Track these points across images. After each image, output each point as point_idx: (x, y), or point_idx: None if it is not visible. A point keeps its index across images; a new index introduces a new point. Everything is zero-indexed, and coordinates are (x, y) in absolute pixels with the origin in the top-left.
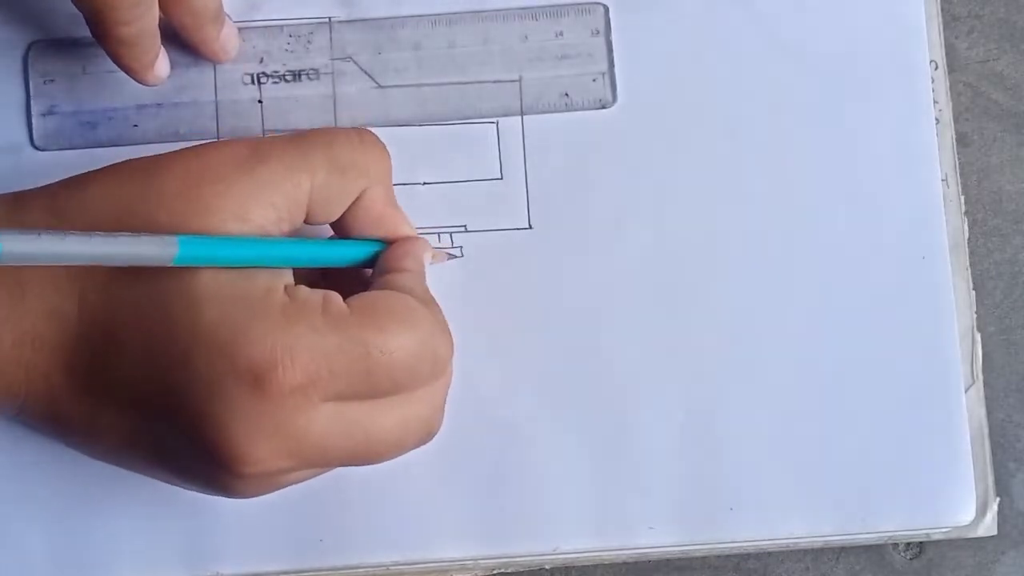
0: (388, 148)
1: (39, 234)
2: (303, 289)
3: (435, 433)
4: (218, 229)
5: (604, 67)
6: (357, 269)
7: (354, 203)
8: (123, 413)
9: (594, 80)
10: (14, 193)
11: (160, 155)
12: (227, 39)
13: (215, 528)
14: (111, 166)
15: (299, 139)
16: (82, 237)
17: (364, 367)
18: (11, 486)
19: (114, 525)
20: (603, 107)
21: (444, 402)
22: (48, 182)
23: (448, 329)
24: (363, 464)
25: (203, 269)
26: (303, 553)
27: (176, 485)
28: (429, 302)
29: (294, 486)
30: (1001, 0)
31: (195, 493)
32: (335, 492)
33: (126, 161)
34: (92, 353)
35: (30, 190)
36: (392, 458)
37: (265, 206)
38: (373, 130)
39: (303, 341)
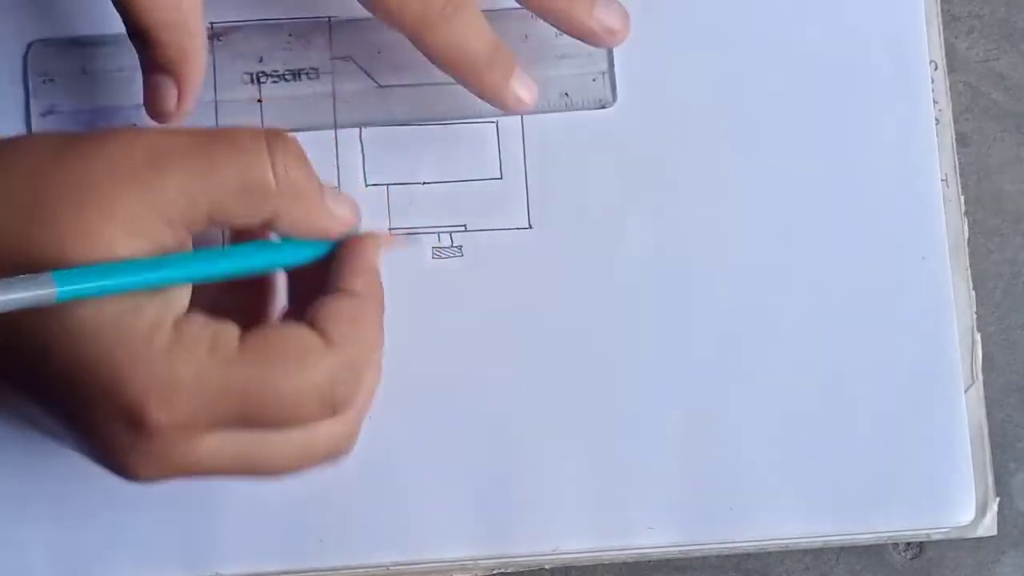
0: (388, 148)
1: None
2: (194, 323)
3: (345, 455)
4: (106, 254)
5: (604, 67)
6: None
7: (265, 222)
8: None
9: (594, 80)
10: None
11: (43, 162)
12: (519, 86)
13: (214, 528)
14: (20, 149)
15: (203, 145)
16: None
17: (245, 407)
18: (11, 486)
19: (114, 525)
20: (603, 107)
21: (356, 429)
22: None
23: (360, 364)
24: (261, 480)
25: (84, 305)
26: (303, 553)
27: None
28: (339, 342)
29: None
30: (1001, 0)
31: (192, 491)
32: (335, 492)
33: (33, 145)
34: None
35: None
36: (294, 475)
37: (160, 224)
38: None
39: (184, 381)
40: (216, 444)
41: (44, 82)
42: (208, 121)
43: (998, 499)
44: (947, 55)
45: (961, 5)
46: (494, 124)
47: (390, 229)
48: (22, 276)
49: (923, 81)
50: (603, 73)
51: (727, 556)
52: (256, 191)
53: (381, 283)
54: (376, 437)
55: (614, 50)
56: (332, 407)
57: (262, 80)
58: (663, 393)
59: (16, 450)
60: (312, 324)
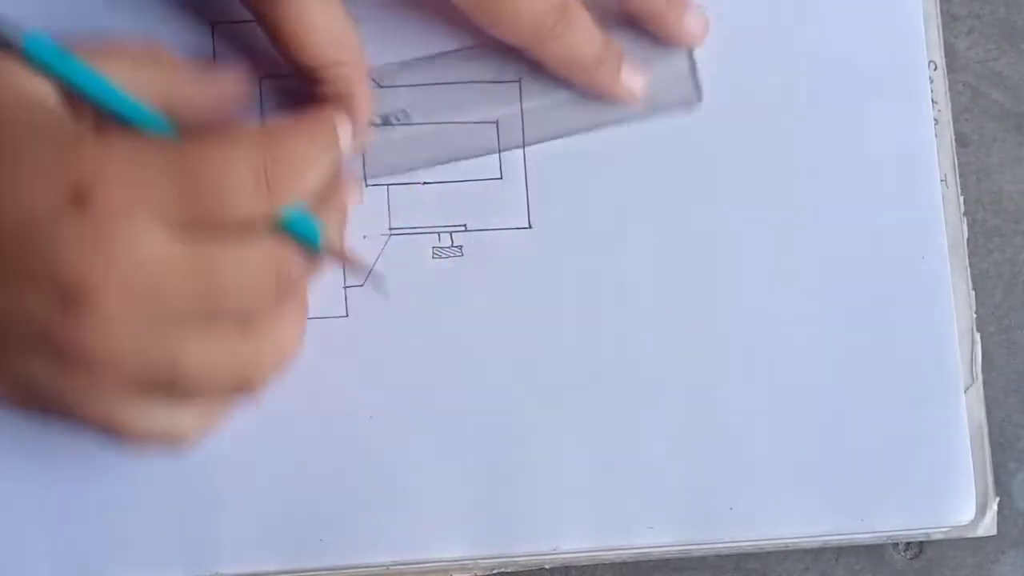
0: (388, 148)
1: None
2: (117, 128)
3: (290, 361)
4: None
5: (685, 68)
6: None
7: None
8: None
9: (677, 82)
10: None
11: None
12: (628, 79)
13: (215, 528)
14: None
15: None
16: None
17: (181, 182)
18: (11, 486)
19: (114, 525)
20: (688, 106)
21: (301, 324)
22: None
23: (297, 158)
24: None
25: (8, 106)
26: (303, 553)
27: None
28: (276, 132)
29: (292, 489)
30: (1000, 0)
31: (193, 491)
32: (335, 492)
33: None
34: None
35: None
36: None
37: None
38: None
39: (123, 162)
40: (163, 240)
41: None
42: None
43: (998, 499)
44: (946, 55)
45: (960, 5)
46: (494, 125)
47: (390, 229)
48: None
49: (922, 81)
50: (687, 72)
51: (726, 556)
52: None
53: (338, 118)
54: (376, 436)
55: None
56: (267, 192)
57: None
58: (663, 392)
59: (16, 450)
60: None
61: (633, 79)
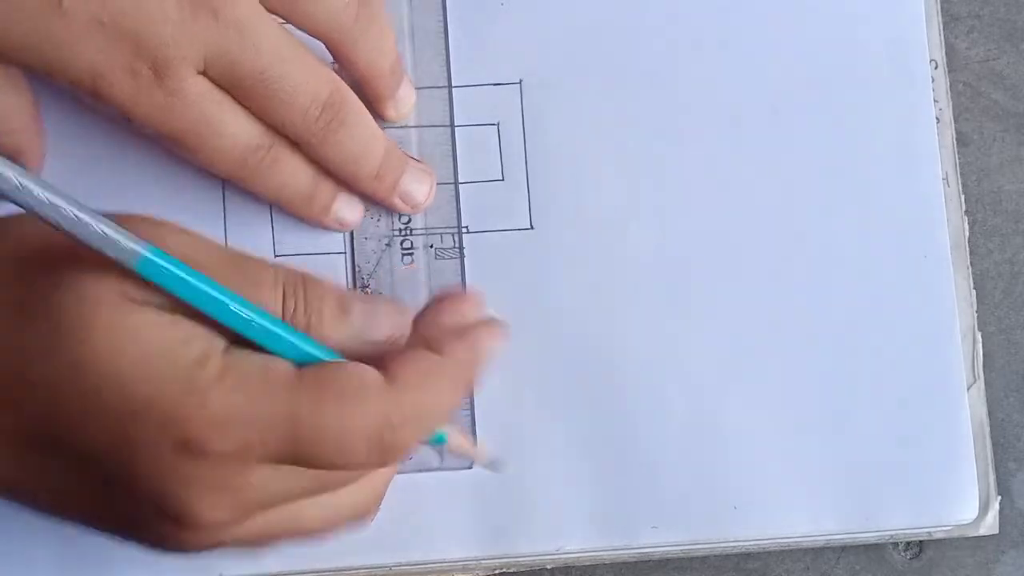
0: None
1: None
2: (243, 354)
3: (367, 520)
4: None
5: None
6: None
7: None
8: (72, 477)
9: None
10: None
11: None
12: (403, 99)
13: None
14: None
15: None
16: (56, 195)
17: (295, 437)
18: None
19: None
20: None
21: (382, 493)
22: None
23: (420, 417)
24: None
25: (134, 340)
26: (305, 554)
27: (116, 539)
28: (401, 386)
29: None
30: (1001, 0)
31: None
32: None
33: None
34: (33, 424)
35: None
36: (323, 538)
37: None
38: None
39: (237, 409)
40: (267, 476)
41: None
42: None
43: (999, 498)
44: (947, 55)
45: (961, 5)
46: (495, 126)
47: (392, 231)
48: (126, 232)
49: (923, 80)
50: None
51: (727, 556)
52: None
53: (478, 356)
54: None
55: None
56: (380, 454)
57: None
58: (666, 392)
59: None
60: (380, 365)
61: (407, 98)
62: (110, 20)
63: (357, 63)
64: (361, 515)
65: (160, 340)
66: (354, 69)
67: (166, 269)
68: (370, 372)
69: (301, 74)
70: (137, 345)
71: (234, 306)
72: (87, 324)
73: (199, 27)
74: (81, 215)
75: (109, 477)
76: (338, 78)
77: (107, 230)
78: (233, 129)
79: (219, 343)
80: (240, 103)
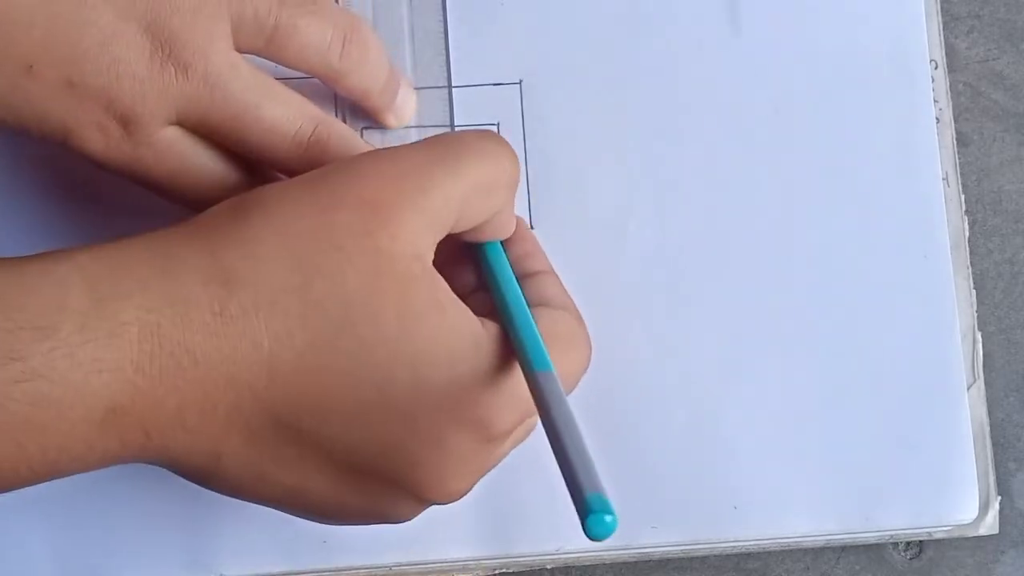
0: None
1: None
2: (493, 327)
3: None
4: (393, 262)
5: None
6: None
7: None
8: (307, 470)
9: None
10: (154, 241)
11: (314, 186)
12: (401, 106)
13: (219, 529)
14: (273, 206)
15: (449, 158)
16: None
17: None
18: (16, 492)
19: (117, 527)
20: None
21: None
22: None
23: (585, 329)
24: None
25: (415, 333)
26: (306, 554)
27: (330, 523)
28: (570, 306)
29: None
30: (1001, 0)
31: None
32: None
33: (285, 193)
34: (276, 420)
35: (173, 237)
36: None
37: (429, 233)
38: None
39: (512, 387)
40: (509, 447)
41: None
42: None
43: (999, 498)
44: (947, 55)
45: (961, 5)
46: (495, 127)
47: None
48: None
49: (924, 80)
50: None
51: (727, 556)
52: (493, 187)
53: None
54: None
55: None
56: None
57: None
58: (666, 392)
59: None
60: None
61: (406, 105)
62: (79, 80)
63: (351, 92)
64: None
65: (441, 326)
66: (349, 96)
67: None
68: (569, 319)
69: (278, 111)
70: (426, 336)
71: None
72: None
73: (168, 83)
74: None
75: (367, 471)
76: (315, 110)
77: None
78: (210, 170)
79: (478, 324)
80: (218, 144)
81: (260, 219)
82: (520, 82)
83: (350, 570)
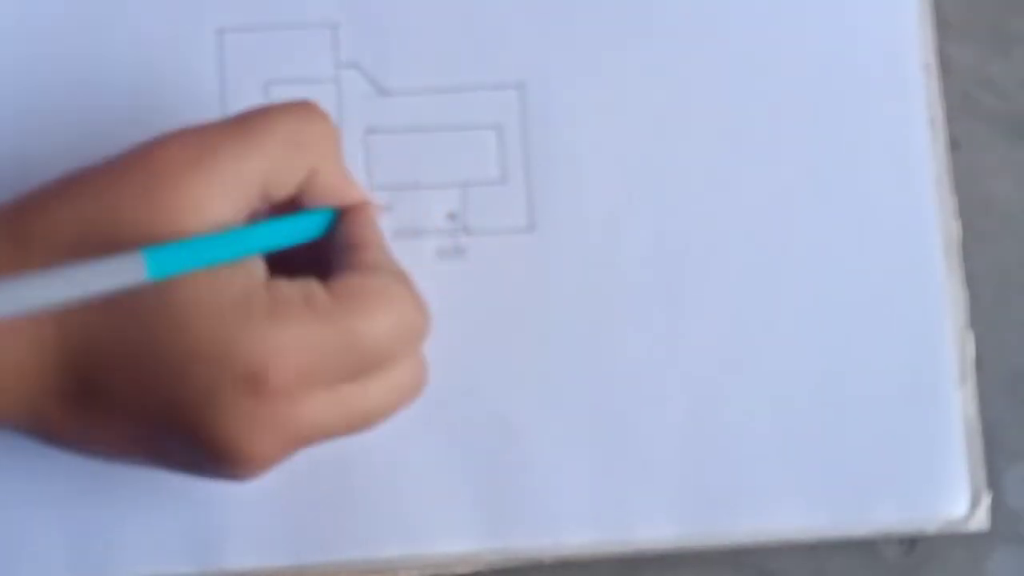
0: (390, 150)
1: None
2: (282, 284)
3: (423, 388)
4: (179, 231)
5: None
6: (312, 249)
7: (306, 179)
8: (119, 426)
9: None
10: None
11: (112, 161)
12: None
13: (221, 523)
14: (68, 179)
15: (245, 122)
16: (44, 278)
17: (353, 353)
18: (21, 483)
19: (121, 519)
20: None
21: (424, 360)
22: None
23: (419, 295)
24: (357, 434)
25: (179, 285)
26: (307, 548)
27: (176, 473)
28: (398, 273)
29: (297, 485)
30: (993, 4)
31: (201, 488)
32: (339, 488)
33: (81, 172)
34: (78, 378)
35: None
36: (384, 421)
37: (220, 198)
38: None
39: (291, 338)
40: (324, 400)
41: None
42: None
43: (989, 495)
44: (939, 59)
45: (953, 9)
46: (495, 128)
47: (393, 232)
48: (113, 257)
49: (916, 84)
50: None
51: (723, 551)
52: (297, 147)
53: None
54: (380, 435)
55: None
56: (417, 336)
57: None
58: (663, 389)
59: (25, 447)
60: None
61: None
62: None
63: None
64: (417, 388)
65: (206, 283)
66: None
67: (171, 257)
68: (381, 276)
69: None
70: (186, 290)
71: (236, 243)
72: None
73: None
74: (54, 274)
75: (162, 426)
76: None
77: (93, 265)
78: None
79: (257, 276)
80: None
81: (57, 185)
82: (520, 82)
83: (348, 564)
